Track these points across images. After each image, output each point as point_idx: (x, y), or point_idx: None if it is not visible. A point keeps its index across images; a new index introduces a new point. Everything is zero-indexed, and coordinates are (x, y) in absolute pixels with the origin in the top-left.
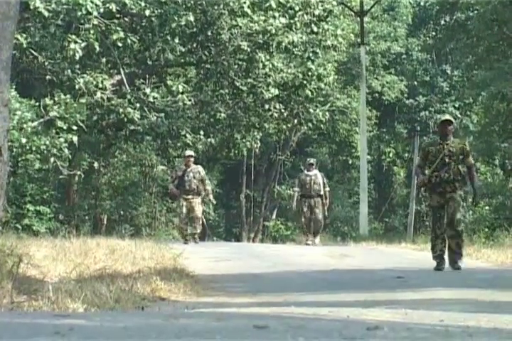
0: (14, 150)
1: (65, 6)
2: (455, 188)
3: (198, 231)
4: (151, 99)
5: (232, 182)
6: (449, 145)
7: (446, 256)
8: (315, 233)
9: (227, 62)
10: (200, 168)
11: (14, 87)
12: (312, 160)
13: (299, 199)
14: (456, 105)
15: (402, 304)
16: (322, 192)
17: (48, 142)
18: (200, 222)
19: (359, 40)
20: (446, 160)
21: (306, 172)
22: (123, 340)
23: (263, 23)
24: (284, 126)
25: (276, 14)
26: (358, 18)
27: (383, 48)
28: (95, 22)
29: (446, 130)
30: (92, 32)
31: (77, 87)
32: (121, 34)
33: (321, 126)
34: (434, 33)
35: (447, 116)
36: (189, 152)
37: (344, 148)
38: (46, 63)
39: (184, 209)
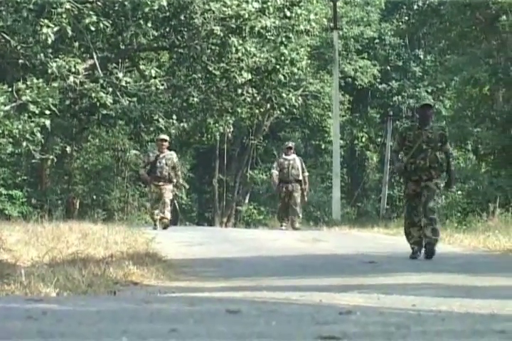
0: None
1: None
2: (431, 176)
3: (168, 216)
4: (123, 84)
5: (205, 166)
6: (427, 131)
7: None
8: (293, 218)
9: (200, 47)
10: (173, 154)
11: None
12: (291, 144)
13: (277, 183)
14: (429, 90)
15: (374, 289)
16: (300, 177)
17: (20, 126)
18: (169, 208)
19: (332, 24)
20: (424, 146)
21: (284, 156)
22: (95, 324)
23: (236, 7)
24: (257, 111)
25: None
26: (331, 3)
27: (356, 33)
28: (68, 6)
29: (425, 115)
30: (64, 16)
31: (49, 71)
32: (94, 18)
33: (294, 110)
34: (406, 18)
35: (427, 101)
36: (163, 136)
37: (317, 132)
38: (19, 47)
39: (154, 196)
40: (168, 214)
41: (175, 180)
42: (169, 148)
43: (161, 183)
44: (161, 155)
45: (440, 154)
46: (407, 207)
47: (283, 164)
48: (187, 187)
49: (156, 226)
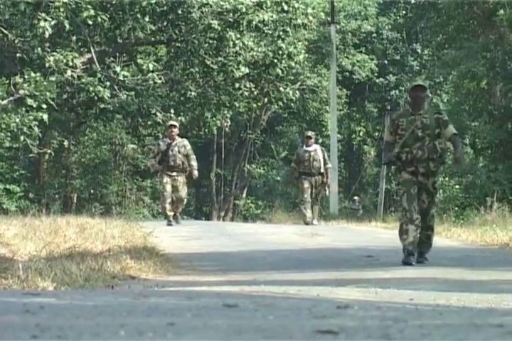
0: None
1: None
2: (429, 169)
3: (180, 210)
4: (121, 78)
5: (203, 160)
6: (421, 116)
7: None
8: (313, 213)
9: (197, 41)
10: (185, 141)
11: None
12: (310, 133)
13: (296, 177)
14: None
15: (372, 283)
16: (323, 170)
17: (18, 120)
18: (184, 204)
19: (329, 18)
20: (419, 134)
21: (304, 147)
22: (93, 318)
23: (233, 1)
24: (255, 105)
25: None
26: None
27: (354, 27)
28: (65, 0)
29: (418, 98)
30: (62, 10)
31: (47, 65)
32: (92, 12)
33: (292, 104)
34: (404, 12)
35: (419, 81)
36: (172, 122)
37: (314, 126)
38: (16, 41)
39: (168, 187)
40: (180, 209)
41: (188, 170)
42: (180, 135)
43: (174, 173)
44: (173, 143)
45: (440, 144)
46: (405, 197)
47: (304, 156)
48: (196, 175)
49: (170, 222)
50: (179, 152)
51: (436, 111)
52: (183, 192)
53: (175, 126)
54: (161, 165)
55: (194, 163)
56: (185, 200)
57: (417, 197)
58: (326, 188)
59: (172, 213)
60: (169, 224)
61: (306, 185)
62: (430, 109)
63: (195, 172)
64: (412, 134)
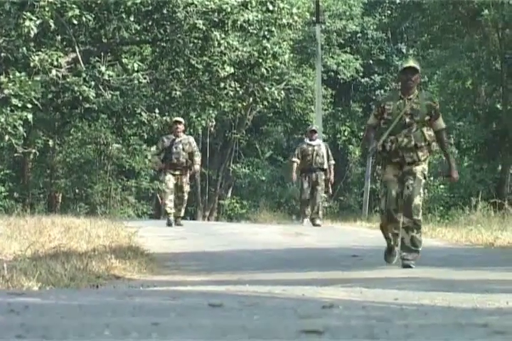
0: None
1: None
2: (417, 159)
3: (182, 214)
4: (106, 77)
5: None
6: (411, 101)
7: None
8: (316, 212)
9: (182, 41)
10: (191, 138)
11: None
12: (314, 127)
13: (298, 173)
14: None
15: (357, 282)
16: (326, 166)
17: (2, 120)
18: (185, 205)
19: (314, 18)
20: (407, 120)
21: (307, 141)
22: (78, 318)
23: (218, 1)
24: (240, 105)
25: None
26: None
27: (339, 27)
28: None
29: (408, 81)
30: (47, 9)
31: (32, 64)
32: (77, 11)
33: (277, 104)
34: (389, 12)
35: (411, 63)
36: (177, 118)
37: (299, 126)
38: (1, 41)
39: (171, 185)
40: (182, 212)
41: (193, 168)
42: (185, 132)
43: (177, 172)
44: (177, 140)
45: (428, 130)
46: (385, 198)
47: (306, 150)
48: (198, 170)
49: (170, 222)
50: (183, 149)
51: (428, 97)
52: (186, 192)
53: (180, 123)
54: (164, 163)
55: (197, 159)
56: (186, 201)
57: (399, 198)
58: (330, 186)
59: (173, 211)
60: (169, 224)
61: (306, 185)
62: (421, 93)
63: (197, 167)
64: (399, 120)
